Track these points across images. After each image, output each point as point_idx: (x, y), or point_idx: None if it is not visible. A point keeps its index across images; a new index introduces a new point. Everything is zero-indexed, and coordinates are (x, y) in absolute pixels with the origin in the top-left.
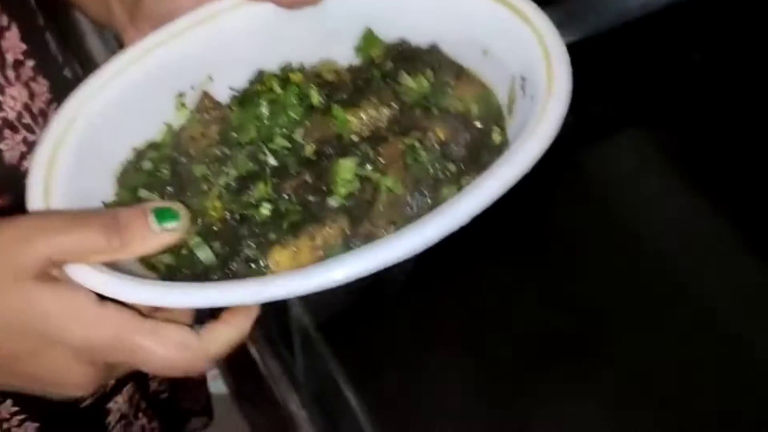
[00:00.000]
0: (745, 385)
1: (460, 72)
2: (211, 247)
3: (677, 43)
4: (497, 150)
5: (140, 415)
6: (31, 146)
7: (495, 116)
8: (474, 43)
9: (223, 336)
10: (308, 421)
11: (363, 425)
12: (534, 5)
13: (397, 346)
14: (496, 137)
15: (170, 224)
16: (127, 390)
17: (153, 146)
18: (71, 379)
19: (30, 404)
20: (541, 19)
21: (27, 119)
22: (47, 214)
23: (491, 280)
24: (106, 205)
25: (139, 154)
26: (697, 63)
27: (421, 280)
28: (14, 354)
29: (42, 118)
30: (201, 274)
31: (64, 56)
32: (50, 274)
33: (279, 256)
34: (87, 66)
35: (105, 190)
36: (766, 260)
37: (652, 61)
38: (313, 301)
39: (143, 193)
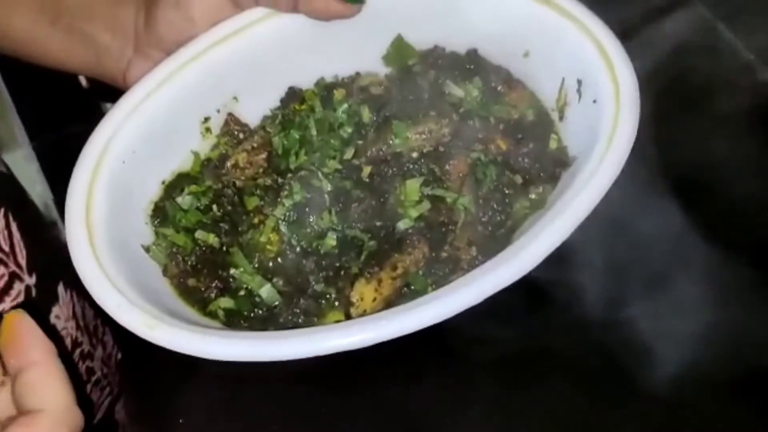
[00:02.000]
0: None
1: (508, 77)
2: (272, 285)
3: None
4: (557, 157)
5: None
6: None
7: (546, 121)
8: (514, 45)
9: None
10: None
11: None
12: (579, 3)
13: None
14: (553, 143)
15: None
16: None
17: (182, 177)
18: None
19: None
20: (589, 17)
21: None
22: None
23: None
24: (145, 249)
25: (170, 188)
26: None
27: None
28: None
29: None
30: (266, 317)
31: None
32: None
33: (363, 289)
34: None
35: (141, 230)
36: None
37: None
38: None
39: (200, 234)
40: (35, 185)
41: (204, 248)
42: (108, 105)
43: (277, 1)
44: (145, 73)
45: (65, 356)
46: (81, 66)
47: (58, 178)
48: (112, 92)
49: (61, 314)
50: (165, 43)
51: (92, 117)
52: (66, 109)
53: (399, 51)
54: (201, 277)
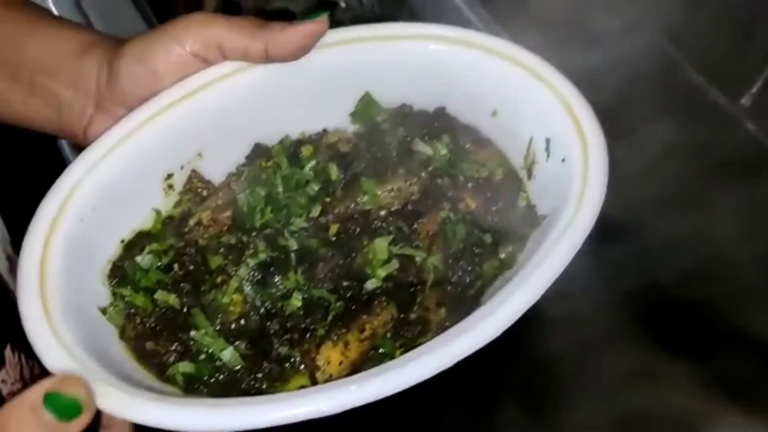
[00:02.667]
0: None
1: (476, 135)
2: (235, 348)
3: None
4: (526, 216)
5: None
6: None
7: (515, 179)
8: (482, 104)
9: None
10: None
11: None
12: (547, 62)
13: None
14: (522, 202)
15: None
16: None
17: (142, 236)
18: None
19: None
20: (557, 76)
21: None
22: None
23: None
24: (101, 311)
25: (129, 246)
26: None
27: None
28: None
29: None
30: (227, 382)
31: None
32: None
33: (329, 353)
34: None
35: (98, 291)
36: None
37: None
38: None
39: (160, 294)
40: None
41: (164, 309)
42: (64, 142)
43: (247, 53)
44: (105, 130)
45: None
46: (42, 122)
47: (15, 216)
48: None
49: (7, 378)
50: (128, 98)
51: (48, 154)
52: (21, 147)
53: (367, 108)
54: (160, 340)
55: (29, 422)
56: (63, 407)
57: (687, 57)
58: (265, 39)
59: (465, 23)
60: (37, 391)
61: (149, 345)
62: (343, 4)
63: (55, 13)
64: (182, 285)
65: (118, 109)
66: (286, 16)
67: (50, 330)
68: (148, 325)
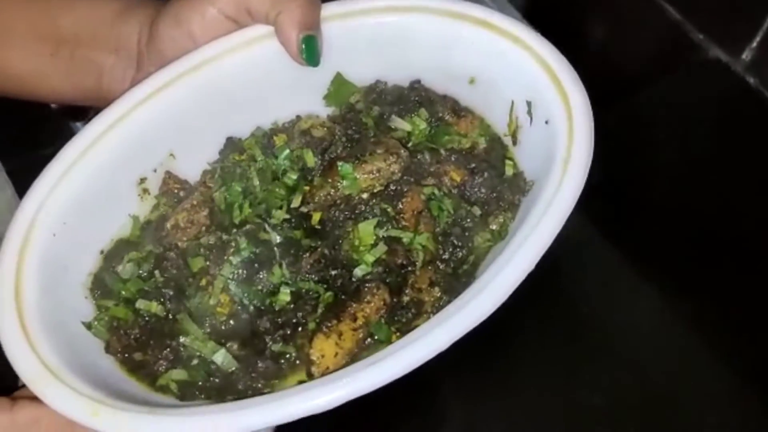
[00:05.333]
0: None
1: (455, 105)
2: (227, 350)
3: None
4: (514, 184)
5: None
6: None
7: (499, 147)
8: (458, 72)
9: None
10: None
11: None
12: (520, 23)
13: None
14: (509, 170)
15: None
16: None
17: (122, 244)
18: None
19: None
20: (533, 37)
21: None
22: None
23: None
24: (86, 326)
25: (109, 257)
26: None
27: None
28: None
29: None
30: (222, 385)
31: None
32: None
33: (322, 345)
34: None
35: (80, 305)
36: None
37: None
38: None
39: (141, 303)
40: (13, 210)
41: (147, 318)
42: (78, 125)
43: (268, 20)
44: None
45: None
46: (82, 94)
47: None
48: (80, 112)
49: None
50: (165, 59)
51: (62, 138)
52: (35, 132)
53: (339, 89)
54: (148, 350)
55: None
56: None
57: (686, 14)
58: (278, 12)
59: None
60: None
61: (138, 356)
62: None
63: None
64: (165, 291)
65: (153, 69)
66: None
67: (31, 352)
68: (132, 336)
